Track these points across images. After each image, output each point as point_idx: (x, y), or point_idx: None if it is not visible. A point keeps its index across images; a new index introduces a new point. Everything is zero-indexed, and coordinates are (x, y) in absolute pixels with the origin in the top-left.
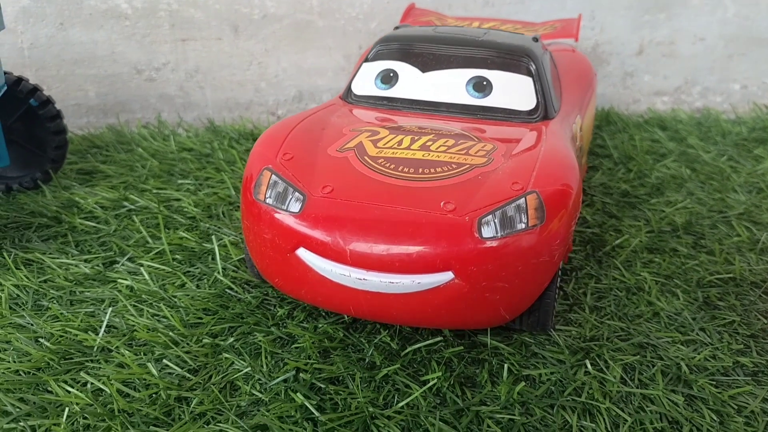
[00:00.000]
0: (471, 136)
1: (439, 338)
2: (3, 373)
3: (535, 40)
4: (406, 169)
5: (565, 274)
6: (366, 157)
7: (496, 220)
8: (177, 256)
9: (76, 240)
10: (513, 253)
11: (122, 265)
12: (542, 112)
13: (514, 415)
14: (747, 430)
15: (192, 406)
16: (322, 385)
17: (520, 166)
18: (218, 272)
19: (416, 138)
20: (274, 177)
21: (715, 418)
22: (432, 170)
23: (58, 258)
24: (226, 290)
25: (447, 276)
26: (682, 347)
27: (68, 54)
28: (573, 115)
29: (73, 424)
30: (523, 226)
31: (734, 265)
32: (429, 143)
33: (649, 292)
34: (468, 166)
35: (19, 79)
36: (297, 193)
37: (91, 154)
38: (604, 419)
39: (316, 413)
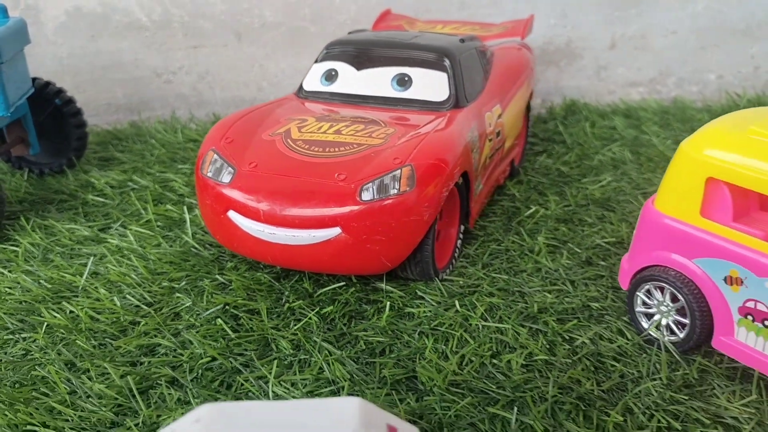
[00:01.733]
0: (380, 122)
1: (342, 283)
2: (10, 302)
3: (462, 41)
4: (316, 149)
5: (472, 239)
6: (289, 140)
7: (374, 187)
8: (159, 224)
9: (85, 211)
10: (387, 212)
11: (115, 229)
12: (453, 103)
13: (384, 338)
14: (569, 353)
15: (140, 327)
16: (242, 315)
17: (406, 145)
18: (188, 235)
19: (334, 124)
20: (215, 156)
21: (546, 344)
22: (336, 149)
23: (67, 224)
24: (191, 248)
25: (336, 231)
26: (547, 294)
27: (99, 61)
28: (490, 104)
29: (51, 336)
30: (396, 191)
31: (622, 231)
32: (342, 128)
33: (539, 253)
34: (366, 145)
35: (47, 83)
36: (229, 168)
37: (112, 144)
38: (453, 343)
39: (231, 333)
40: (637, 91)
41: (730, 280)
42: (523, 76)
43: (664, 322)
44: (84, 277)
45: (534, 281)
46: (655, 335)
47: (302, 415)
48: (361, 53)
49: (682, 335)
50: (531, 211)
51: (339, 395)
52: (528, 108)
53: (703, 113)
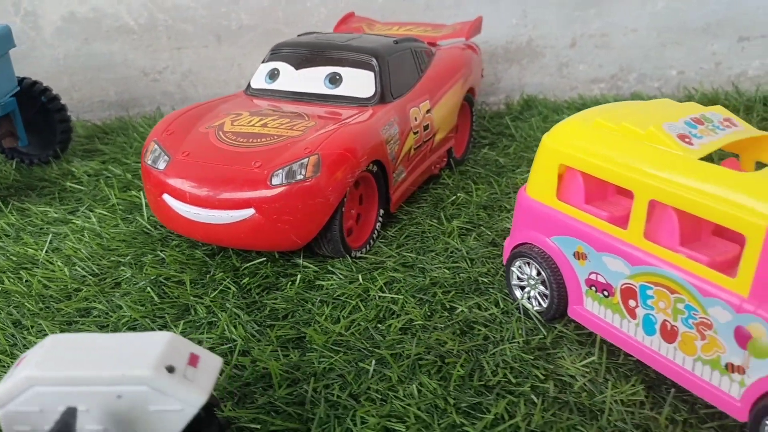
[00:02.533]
0: (305, 116)
1: (264, 258)
2: None
3: (396, 42)
4: (241, 140)
5: (395, 222)
6: (221, 132)
7: (283, 173)
8: (122, 207)
9: (61, 196)
10: (294, 196)
11: (82, 212)
12: (378, 99)
13: (289, 305)
14: (445, 319)
15: (82, 293)
16: (171, 285)
17: (319, 136)
18: (143, 218)
19: (263, 118)
20: (155, 146)
21: (427, 311)
22: (258, 140)
23: (42, 207)
24: (143, 229)
25: (250, 212)
26: (446, 271)
27: (92, 62)
28: (418, 100)
29: (6, 300)
30: (302, 177)
31: None
32: (269, 122)
33: (450, 235)
34: (285, 137)
35: (34, 83)
36: (165, 156)
37: (98, 137)
38: (347, 310)
39: (156, 299)
40: (598, 87)
41: (577, 255)
42: (459, 74)
43: (532, 293)
44: (44, 251)
45: (438, 259)
46: (524, 305)
47: (122, 343)
48: (300, 54)
49: (545, 305)
50: (456, 197)
51: (233, 351)
52: (471, 103)
53: None
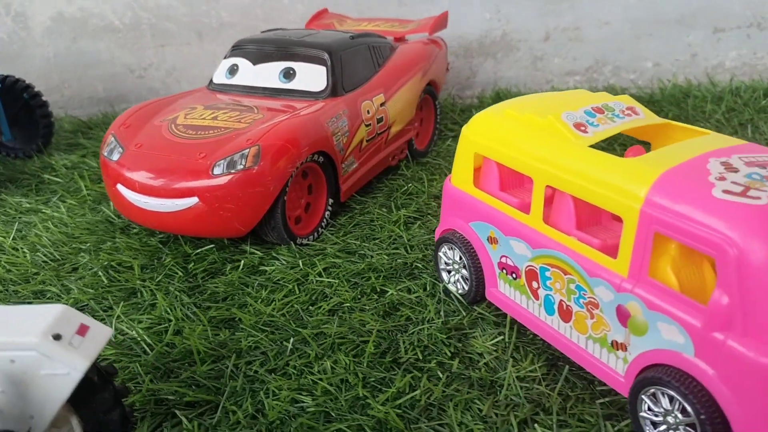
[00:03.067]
0: (254, 109)
1: (213, 245)
2: None
3: (352, 38)
4: (191, 132)
5: (347, 211)
6: (173, 125)
7: (225, 164)
8: (91, 198)
9: (38, 188)
10: (234, 184)
11: (53, 202)
12: (329, 92)
13: (229, 288)
14: (374, 301)
15: (39, 277)
16: (121, 269)
17: (262, 128)
18: (109, 208)
19: (215, 112)
20: (111, 138)
21: (357, 295)
22: (206, 132)
23: (17, 198)
24: (107, 218)
25: (194, 200)
26: (385, 257)
27: (81, 60)
28: (372, 93)
29: None
30: (242, 167)
31: None
32: (220, 115)
33: (396, 223)
34: (231, 129)
35: (17, 80)
36: (119, 148)
37: (82, 132)
38: (283, 293)
39: (106, 282)
40: (573, 80)
41: (491, 240)
42: (417, 68)
43: (456, 277)
44: (11, 238)
45: (380, 246)
46: (449, 288)
47: (18, 314)
48: (258, 50)
49: (467, 288)
50: (408, 187)
51: (167, 330)
52: (434, 96)
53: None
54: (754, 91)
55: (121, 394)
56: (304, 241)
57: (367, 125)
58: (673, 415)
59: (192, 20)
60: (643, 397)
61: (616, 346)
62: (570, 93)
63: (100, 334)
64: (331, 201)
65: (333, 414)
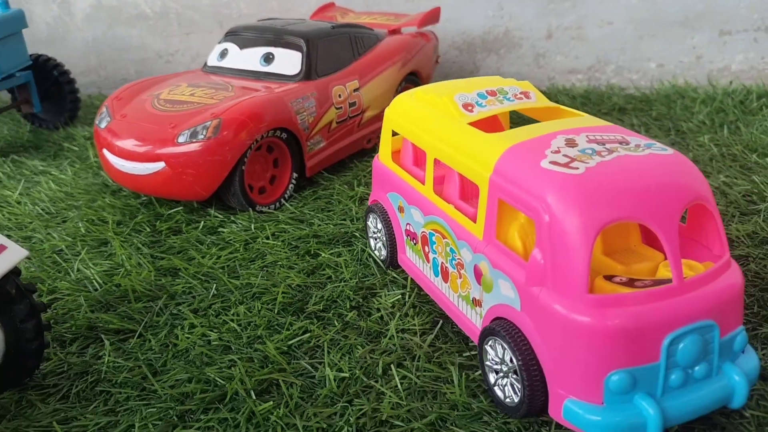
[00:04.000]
0: (229, 88)
1: (181, 207)
2: None
3: (333, 28)
4: (169, 106)
5: (313, 185)
6: (156, 100)
7: (188, 133)
8: (96, 164)
9: (56, 155)
10: (195, 153)
11: (64, 166)
12: (303, 76)
13: (185, 243)
14: (304, 261)
15: (31, 225)
16: (99, 223)
17: (227, 104)
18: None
19: (195, 89)
20: (104, 109)
21: (294, 256)
22: (181, 106)
23: (35, 162)
24: (105, 182)
25: (161, 165)
26: (331, 225)
27: (116, 44)
28: (345, 80)
29: None
30: (202, 137)
31: None
32: (198, 92)
33: (351, 198)
34: (203, 104)
35: (48, 59)
36: (108, 118)
37: None
38: (227, 251)
39: (83, 231)
40: (576, 77)
41: (400, 209)
42: (396, 58)
43: (378, 244)
44: (17, 192)
45: (330, 217)
46: (372, 253)
47: None
48: (245, 36)
49: (385, 253)
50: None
51: (118, 274)
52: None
53: (616, 98)
54: (749, 93)
55: (38, 309)
56: (264, 209)
57: (337, 108)
58: (506, 362)
59: (214, 11)
60: (485, 347)
61: (475, 302)
62: (479, 78)
63: (15, 253)
64: (295, 175)
65: (232, 348)
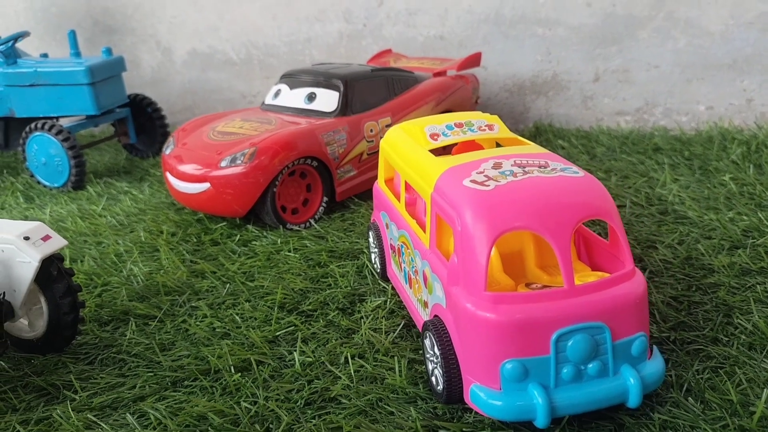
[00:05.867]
0: (272, 122)
1: (225, 223)
2: (55, 215)
3: (372, 71)
4: (220, 137)
5: (342, 208)
6: (212, 131)
7: (229, 159)
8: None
9: (141, 178)
10: (233, 175)
11: (144, 188)
12: (339, 113)
13: (220, 252)
14: (315, 270)
15: (105, 233)
16: (156, 233)
17: (265, 135)
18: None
19: (244, 123)
20: (171, 139)
21: (306, 266)
22: (230, 137)
23: (121, 184)
24: (172, 201)
25: (207, 185)
26: (346, 242)
27: (208, 86)
28: (378, 115)
29: (68, 233)
30: (240, 162)
31: None
32: (246, 125)
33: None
34: (246, 135)
35: (144, 98)
36: (172, 146)
37: None
38: (253, 260)
39: (143, 239)
40: (624, 119)
41: (386, 226)
42: (430, 98)
43: (375, 258)
44: (100, 207)
45: (348, 236)
46: (370, 265)
47: (11, 224)
48: (295, 78)
49: (379, 265)
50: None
51: (158, 274)
52: None
53: (661, 138)
54: None
55: (74, 288)
56: (294, 228)
57: (369, 141)
58: (435, 354)
59: (290, 57)
60: (424, 341)
61: (425, 304)
62: (457, 113)
63: (56, 243)
64: (325, 199)
65: (230, 334)
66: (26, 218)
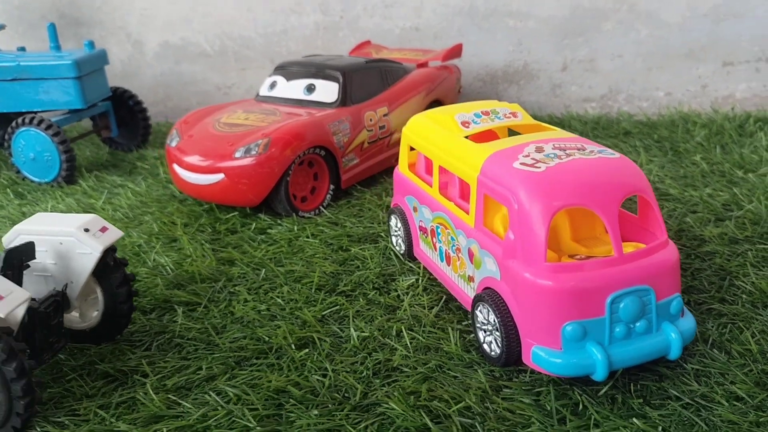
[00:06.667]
0: (277, 113)
1: (237, 212)
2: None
3: (366, 62)
4: (227, 128)
5: (348, 196)
6: (217, 123)
7: (243, 150)
8: (166, 180)
9: (131, 172)
10: (249, 166)
11: (138, 181)
12: (339, 103)
13: (240, 240)
14: (338, 253)
15: (117, 224)
16: (170, 224)
17: (276, 126)
18: (176, 186)
19: (249, 114)
20: (174, 131)
21: (328, 250)
22: (238, 128)
23: (113, 177)
24: (173, 194)
25: (221, 176)
26: (360, 228)
27: (181, 78)
28: (376, 106)
29: None
30: (255, 153)
31: None
32: (251, 117)
33: (379, 206)
34: (255, 126)
35: (125, 91)
36: (177, 138)
37: None
38: (274, 247)
39: (156, 230)
40: (590, 106)
41: (414, 209)
42: (421, 88)
43: (398, 240)
44: (101, 201)
45: (360, 222)
46: (393, 248)
47: (68, 217)
48: (291, 70)
49: (404, 247)
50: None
51: (186, 263)
52: None
53: (624, 123)
54: (748, 117)
55: (128, 278)
56: (306, 215)
57: (369, 130)
58: (490, 322)
59: (266, 49)
60: (476, 311)
61: (469, 279)
62: (478, 102)
63: (114, 233)
64: (332, 187)
65: (277, 316)
66: (23, 214)
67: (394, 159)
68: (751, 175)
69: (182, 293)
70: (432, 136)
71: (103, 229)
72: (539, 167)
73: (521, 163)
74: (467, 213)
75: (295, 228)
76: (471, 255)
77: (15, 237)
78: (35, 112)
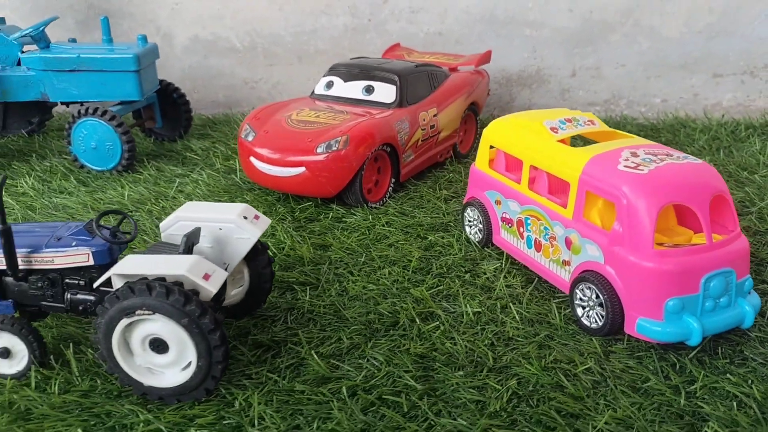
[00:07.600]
0: (344, 112)
1: (310, 203)
2: (124, 201)
3: (416, 66)
4: (302, 125)
5: (404, 188)
6: (289, 119)
7: (325, 146)
8: (224, 170)
9: (183, 162)
10: (329, 160)
11: (197, 171)
12: (397, 104)
13: (322, 228)
14: (417, 241)
15: None
16: None
17: (350, 124)
18: (237, 177)
19: (318, 112)
20: (247, 126)
21: (407, 239)
22: (312, 125)
23: (171, 167)
24: (236, 183)
25: (302, 169)
26: (428, 218)
27: (209, 72)
28: (427, 107)
29: (150, 214)
30: (336, 149)
31: None
32: (321, 114)
33: (438, 198)
34: (329, 124)
35: (169, 84)
36: (253, 132)
37: (209, 126)
38: (354, 234)
39: None
40: (594, 109)
41: (497, 202)
42: (463, 91)
43: (474, 229)
44: (173, 190)
45: (425, 212)
46: (469, 236)
47: (224, 206)
48: (348, 71)
49: (481, 236)
50: (450, 177)
51: (284, 248)
52: (475, 113)
53: (632, 126)
54: (738, 125)
55: (270, 260)
56: (373, 206)
57: (422, 129)
58: (592, 299)
59: (295, 47)
60: (576, 290)
61: (564, 263)
62: (554, 110)
63: (265, 221)
64: (393, 180)
65: (387, 295)
66: (95, 201)
67: (439, 155)
68: (757, 176)
69: (295, 274)
70: (522, 138)
71: (256, 217)
72: (642, 170)
73: (624, 166)
74: (564, 207)
75: (370, 217)
76: (568, 242)
77: (174, 223)
78: (85, 103)
